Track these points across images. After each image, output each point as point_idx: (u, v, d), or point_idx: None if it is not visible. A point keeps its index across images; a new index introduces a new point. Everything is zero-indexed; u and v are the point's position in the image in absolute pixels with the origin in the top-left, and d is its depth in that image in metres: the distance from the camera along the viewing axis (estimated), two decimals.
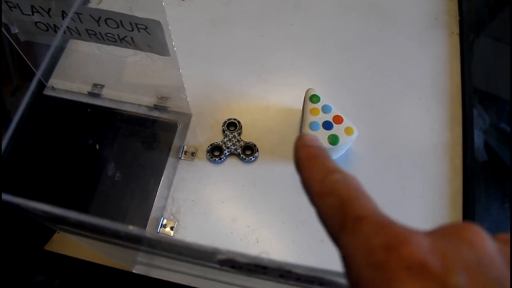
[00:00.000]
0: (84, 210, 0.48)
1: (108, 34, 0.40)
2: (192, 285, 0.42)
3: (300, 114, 0.52)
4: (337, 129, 0.45)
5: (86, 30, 0.40)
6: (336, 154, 0.48)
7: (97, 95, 0.54)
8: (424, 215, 0.47)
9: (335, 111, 0.45)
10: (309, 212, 0.48)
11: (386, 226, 0.14)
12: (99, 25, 0.39)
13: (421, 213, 0.47)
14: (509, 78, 0.53)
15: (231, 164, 0.50)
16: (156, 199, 0.47)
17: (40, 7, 0.37)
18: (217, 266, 0.19)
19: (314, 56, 0.58)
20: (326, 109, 0.45)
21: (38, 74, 0.40)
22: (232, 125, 0.51)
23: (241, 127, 0.51)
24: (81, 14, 0.37)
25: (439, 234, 0.14)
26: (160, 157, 0.50)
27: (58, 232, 0.45)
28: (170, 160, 0.50)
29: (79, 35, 0.41)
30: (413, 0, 0.63)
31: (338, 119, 0.45)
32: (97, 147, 0.53)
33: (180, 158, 0.50)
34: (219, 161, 0.49)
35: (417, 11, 0.62)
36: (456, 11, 0.62)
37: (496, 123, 0.53)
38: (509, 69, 0.53)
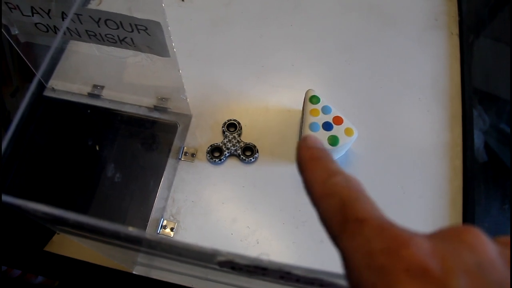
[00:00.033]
0: (84, 211, 0.48)
1: (108, 35, 0.40)
2: (192, 286, 0.42)
3: (300, 115, 0.52)
4: (337, 130, 0.45)
5: (86, 31, 0.40)
6: (336, 155, 0.48)
7: (97, 96, 0.54)
8: (424, 215, 0.47)
9: (335, 112, 0.45)
10: (309, 213, 0.48)
11: (386, 228, 0.14)
12: (99, 26, 0.39)
13: (421, 213, 0.47)
14: (509, 79, 0.53)
15: (231, 165, 0.50)
16: (156, 200, 0.47)
17: (40, 8, 0.38)
18: (217, 267, 0.19)
19: (313, 57, 0.58)
20: (326, 110, 0.45)
21: (38, 75, 0.40)
22: (232, 126, 0.51)
23: (241, 128, 0.51)
24: (81, 15, 0.37)
25: (440, 237, 0.14)
26: (160, 158, 0.50)
27: (58, 233, 0.45)
28: (170, 161, 0.50)
29: (79, 36, 0.41)
30: (413, 0, 0.63)
31: (338, 120, 0.45)
32: (97, 148, 0.53)
33: (180, 159, 0.50)
34: (219, 162, 0.49)
35: (417, 12, 0.62)
36: (456, 12, 0.62)
37: (496, 123, 0.53)
38: (509, 69, 0.53)
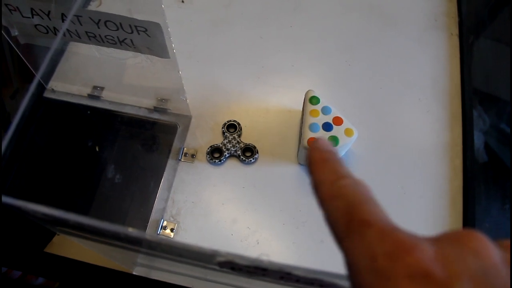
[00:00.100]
0: (84, 212, 0.48)
1: (107, 37, 0.40)
2: (192, 286, 0.42)
3: (300, 116, 0.52)
4: (337, 131, 0.45)
5: (86, 32, 0.40)
6: None
7: (97, 97, 0.54)
8: (424, 215, 0.47)
9: (335, 113, 0.45)
10: (309, 214, 0.48)
11: (390, 233, 0.14)
12: (98, 28, 0.39)
13: (421, 213, 0.47)
14: (509, 79, 0.53)
15: (231, 166, 0.50)
16: (156, 201, 0.47)
17: (40, 9, 0.38)
18: (217, 268, 0.19)
19: (313, 58, 0.58)
20: (326, 110, 0.45)
21: (38, 77, 0.40)
22: (232, 127, 0.51)
23: (241, 129, 0.51)
24: (80, 16, 0.37)
25: (443, 241, 0.14)
26: (160, 159, 0.50)
27: (58, 235, 0.45)
28: (170, 162, 0.50)
29: (79, 37, 0.41)
30: (413, 1, 0.63)
31: (338, 121, 0.45)
32: (97, 149, 0.53)
33: (180, 160, 0.50)
34: (219, 163, 0.49)
35: (417, 12, 0.62)
36: (456, 13, 0.62)
37: (496, 124, 0.53)
38: (509, 70, 0.53)
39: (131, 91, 0.53)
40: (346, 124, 0.45)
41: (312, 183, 0.18)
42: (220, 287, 0.40)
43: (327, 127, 0.45)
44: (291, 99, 0.54)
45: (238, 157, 0.49)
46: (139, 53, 0.42)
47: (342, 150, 0.47)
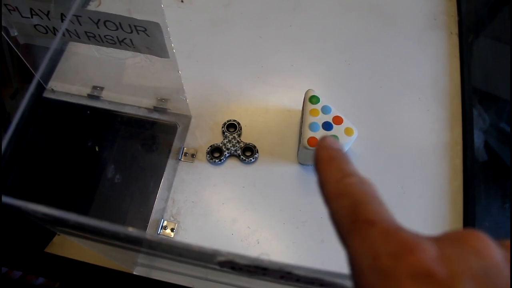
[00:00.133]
0: (84, 212, 0.48)
1: (107, 36, 0.40)
2: (192, 286, 0.42)
3: (299, 115, 0.52)
4: (336, 130, 0.45)
5: (85, 32, 0.40)
6: None
7: (96, 97, 0.54)
8: (424, 215, 0.47)
9: (334, 112, 0.45)
10: (309, 213, 0.48)
11: (394, 232, 0.14)
12: (98, 28, 0.39)
13: (421, 213, 0.47)
14: (508, 78, 0.53)
15: (231, 166, 0.50)
16: (156, 201, 0.47)
17: (39, 9, 0.38)
18: (218, 267, 0.19)
19: (313, 57, 0.58)
20: (325, 109, 0.45)
21: (38, 77, 0.40)
22: (231, 127, 0.51)
23: (240, 129, 0.51)
24: (80, 16, 0.37)
25: (446, 241, 0.14)
26: (160, 159, 0.50)
27: (59, 235, 0.45)
28: (170, 162, 0.50)
29: (78, 37, 0.41)
30: (412, 0, 0.63)
31: (337, 120, 0.45)
32: (97, 149, 0.53)
33: (180, 159, 0.50)
34: (219, 162, 0.49)
35: (417, 12, 0.62)
36: (455, 12, 0.62)
37: (496, 123, 0.53)
38: (508, 69, 0.53)
39: (130, 91, 0.53)
40: (346, 123, 0.45)
41: (318, 181, 0.18)
42: (221, 286, 0.41)
43: (327, 126, 0.45)
44: (290, 99, 0.54)
45: (238, 156, 0.49)
46: (139, 53, 0.42)
47: None
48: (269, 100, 0.54)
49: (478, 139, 0.51)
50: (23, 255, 0.43)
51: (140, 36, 0.39)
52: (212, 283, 0.41)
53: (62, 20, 0.38)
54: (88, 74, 0.55)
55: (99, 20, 0.38)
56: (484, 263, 0.13)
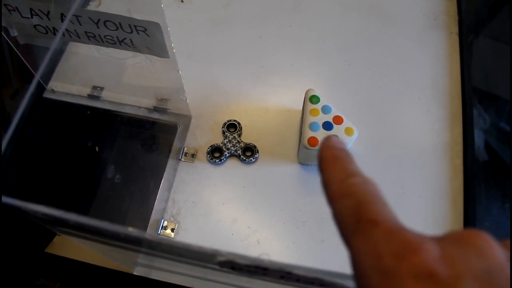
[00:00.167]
0: (84, 212, 0.48)
1: (107, 36, 0.40)
2: (192, 286, 0.42)
3: (300, 115, 0.52)
4: (337, 130, 0.45)
5: (85, 32, 0.40)
6: None
7: (96, 98, 0.54)
8: (424, 215, 0.47)
9: (335, 112, 0.45)
10: (309, 213, 0.48)
11: (397, 232, 0.14)
12: (98, 28, 0.39)
13: (421, 213, 0.47)
14: (508, 78, 0.53)
15: (231, 166, 0.50)
16: (156, 201, 0.47)
17: (39, 10, 0.38)
18: (218, 267, 0.19)
19: (313, 57, 0.58)
20: (326, 109, 0.45)
21: (38, 77, 0.40)
22: (232, 127, 0.51)
23: (241, 128, 0.51)
24: (80, 16, 0.37)
25: (448, 241, 0.14)
26: (160, 159, 0.50)
27: (59, 235, 0.45)
28: (170, 162, 0.50)
29: (78, 37, 0.41)
30: (412, 0, 0.63)
31: (338, 120, 0.45)
32: (97, 149, 0.53)
33: (180, 160, 0.50)
34: (219, 162, 0.49)
35: (417, 12, 0.62)
36: (455, 11, 0.62)
37: (496, 122, 0.53)
38: (508, 68, 0.53)
39: (130, 91, 0.53)
40: (346, 123, 0.45)
41: (322, 181, 0.18)
42: (221, 286, 0.41)
43: (327, 126, 0.45)
44: (290, 99, 0.54)
45: (238, 156, 0.49)
46: (139, 53, 0.42)
47: None
48: (269, 100, 0.54)
49: (478, 139, 0.51)
50: (23, 255, 0.43)
51: (140, 36, 0.39)
52: (212, 283, 0.41)
53: (62, 20, 0.38)
54: (88, 74, 0.55)
55: (99, 20, 0.38)
56: (487, 263, 0.13)
